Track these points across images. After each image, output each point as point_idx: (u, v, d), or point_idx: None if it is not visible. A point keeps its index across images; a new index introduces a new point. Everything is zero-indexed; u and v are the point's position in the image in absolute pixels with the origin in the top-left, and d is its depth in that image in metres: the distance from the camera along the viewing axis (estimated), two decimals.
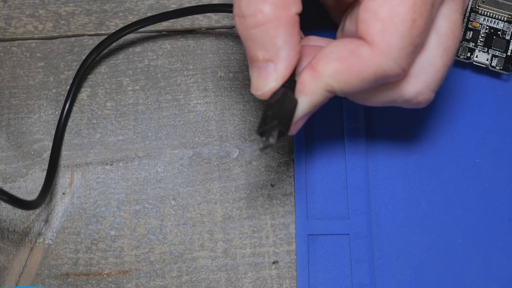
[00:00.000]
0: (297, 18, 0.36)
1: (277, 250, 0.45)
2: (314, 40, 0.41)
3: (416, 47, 0.36)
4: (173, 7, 0.50)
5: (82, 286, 0.44)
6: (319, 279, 0.44)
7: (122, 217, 0.46)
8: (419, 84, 0.38)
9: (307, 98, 0.37)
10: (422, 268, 0.44)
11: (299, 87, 0.37)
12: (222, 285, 0.44)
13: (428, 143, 0.47)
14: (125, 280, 0.44)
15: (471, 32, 0.47)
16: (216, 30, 0.50)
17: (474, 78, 0.48)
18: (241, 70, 0.49)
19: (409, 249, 0.44)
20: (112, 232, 0.45)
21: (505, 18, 0.47)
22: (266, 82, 0.37)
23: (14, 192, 0.46)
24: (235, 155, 0.47)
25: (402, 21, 0.35)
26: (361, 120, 0.47)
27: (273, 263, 0.45)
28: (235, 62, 0.49)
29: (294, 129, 0.38)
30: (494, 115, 0.47)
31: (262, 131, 0.35)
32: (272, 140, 0.35)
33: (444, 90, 0.48)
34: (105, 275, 0.44)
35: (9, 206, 0.46)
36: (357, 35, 0.36)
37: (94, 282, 0.44)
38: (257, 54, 0.36)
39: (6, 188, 0.46)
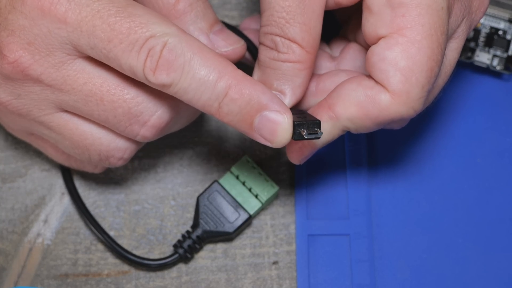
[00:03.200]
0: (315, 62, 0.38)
1: (277, 250, 0.45)
2: None
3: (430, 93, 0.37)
4: None
5: (81, 286, 0.44)
6: (319, 279, 0.44)
7: (122, 217, 0.46)
8: (411, 111, 0.38)
9: (322, 137, 0.38)
10: (422, 268, 0.44)
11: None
12: (222, 285, 0.44)
13: (429, 143, 0.47)
14: (124, 281, 0.44)
15: (472, 32, 0.47)
16: None
17: (474, 78, 0.48)
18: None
19: (409, 250, 0.44)
20: (112, 233, 0.45)
21: (506, 18, 0.47)
22: None
23: (13, 192, 0.46)
24: (235, 155, 0.47)
25: (421, 71, 0.35)
26: None
27: (273, 263, 0.45)
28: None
29: (302, 160, 0.40)
30: (494, 115, 0.47)
31: (303, 123, 0.36)
32: (320, 134, 0.36)
33: (444, 90, 0.48)
34: (104, 276, 0.44)
35: (8, 207, 0.46)
36: (370, 75, 0.37)
37: (93, 282, 0.44)
38: (272, 82, 0.38)
39: (5, 188, 0.46)
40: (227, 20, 0.50)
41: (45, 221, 0.45)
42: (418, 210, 0.45)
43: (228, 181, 0.44)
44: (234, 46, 0.39)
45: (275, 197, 0.45)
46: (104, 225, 0.45)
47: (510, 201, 0.45)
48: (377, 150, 0.46)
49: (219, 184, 0.44)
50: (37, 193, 0.46)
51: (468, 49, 0.47)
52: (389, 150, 0.47)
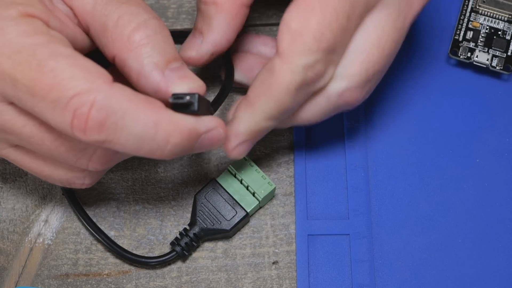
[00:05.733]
0: (243, 11, 0.39)
1: (277, 250, 0.45)
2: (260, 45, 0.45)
3: (330, 54, 0.37)
4: (173, 7, 0.50)
5: (82, 286, 0.44)
6: (319, 279, 0.44)
7: (122, 217, 0.46)
8: (342, 84, 0.39)
9: (245, 125, 0.39)
10: (422, 268, 0.44)
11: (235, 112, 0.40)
12: (222, 285, 0.44)
13: (428, 143, 0.47)
14: (125, 281, 0.44)
15: (472, 32, 0.47)
16: None
17: (474, 78, 0.48)
18: None
19: (409, 249, 0.44)
20: (112, 233, 0.45)
21: (506, 18, 0.47)
22: (189, 49, 0.41)
23: (13, 192, 0.46)
24: None
25: (309, 34, 0.36)
26: (361, 120, 0.47)
27: (273, 263, 0.45)
28: None
29: (236, 153, 0.40)
30: (494, 115, 0.47)
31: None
32: (189, 100, 0.36)
33: (444, 90, 0.48)
34: (104, 276, 0.44)
35: (8, 206, 0.46)
36: None
37: (94, 282, 0.44)
38: (197, 23, 0.41)
39: (6, 188, 0.46)
40: None
41: (46, 221, 0.46)
42: (418, 210, 0.45)
43: (226, 179, 0.44)
44: (190, 85, 0.37)
45: (272, 195, 0.45)
46: (105, 225, 0.45)
47: (510, 201, 0.45)
48: (377, 149, 0.47)
49: (217, 181, 0.44)
50: (38, 193, 0.46)
51: (467, 49, 0.47)
52: (389, 150, 0.47)
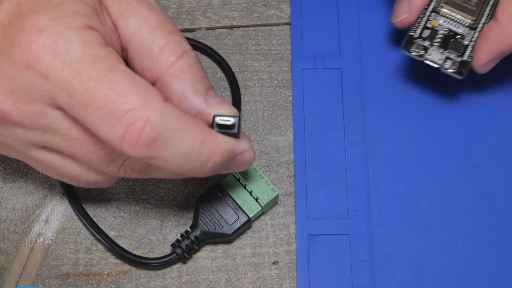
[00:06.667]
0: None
1: (277, 250, 0.45)
2: None
3: None
4: (173, 7, 0.50)
5: (82, 286, 0.44)
6: (319, 279, 0.44)
7: (122, 217, 0.46)
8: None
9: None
10: (422, 268, 0.44)
11: None
12: (222, 285, 0.44)
13: (429, 143, 0.47)
14: (125, 281, 0.44)
15: (429, 31, 0.45)
16: (216, 30, 0.50)
17: (474, 79, 0.48)
18: (241, 71, 0.49)
19: (409, 249, 0.44)
20: (112, 233, 0.45)
21: (467, 23, 0.45)
22: (400, 14, 0.46)
23: (14, 192, 0.46)
24: None
25: None
26: (361, 121, 0.47)
27: (273, 263, 0.45)
28: (235, 62, 0.49)
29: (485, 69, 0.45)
30: (494, 115, 0.47)
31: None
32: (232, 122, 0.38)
33: (444, 90, 0.48)
34: (105, 276, 0.44)
35: (9, 206, 0.46)
36: None
37: (94, 282, 0.44)
38: None
39: (6, 188, 0.46)
40: (227, 21, 0.50)
41: (46, 221, 0.46)
42: (418, 210, 0.45)
43: (229, 183, 0.44)
44: (229, 110, 0.39)
45: (275, 201, 0.45)
46: (105, 225, 0.45)
47: (510, 201, 0.45)
48: (377, 150, 0.47)
49: (220, 185, 0.44)
50: (38, 193, 0.46)
51: (421, 47, 0.45)
52: (389, 150, 0.47)
